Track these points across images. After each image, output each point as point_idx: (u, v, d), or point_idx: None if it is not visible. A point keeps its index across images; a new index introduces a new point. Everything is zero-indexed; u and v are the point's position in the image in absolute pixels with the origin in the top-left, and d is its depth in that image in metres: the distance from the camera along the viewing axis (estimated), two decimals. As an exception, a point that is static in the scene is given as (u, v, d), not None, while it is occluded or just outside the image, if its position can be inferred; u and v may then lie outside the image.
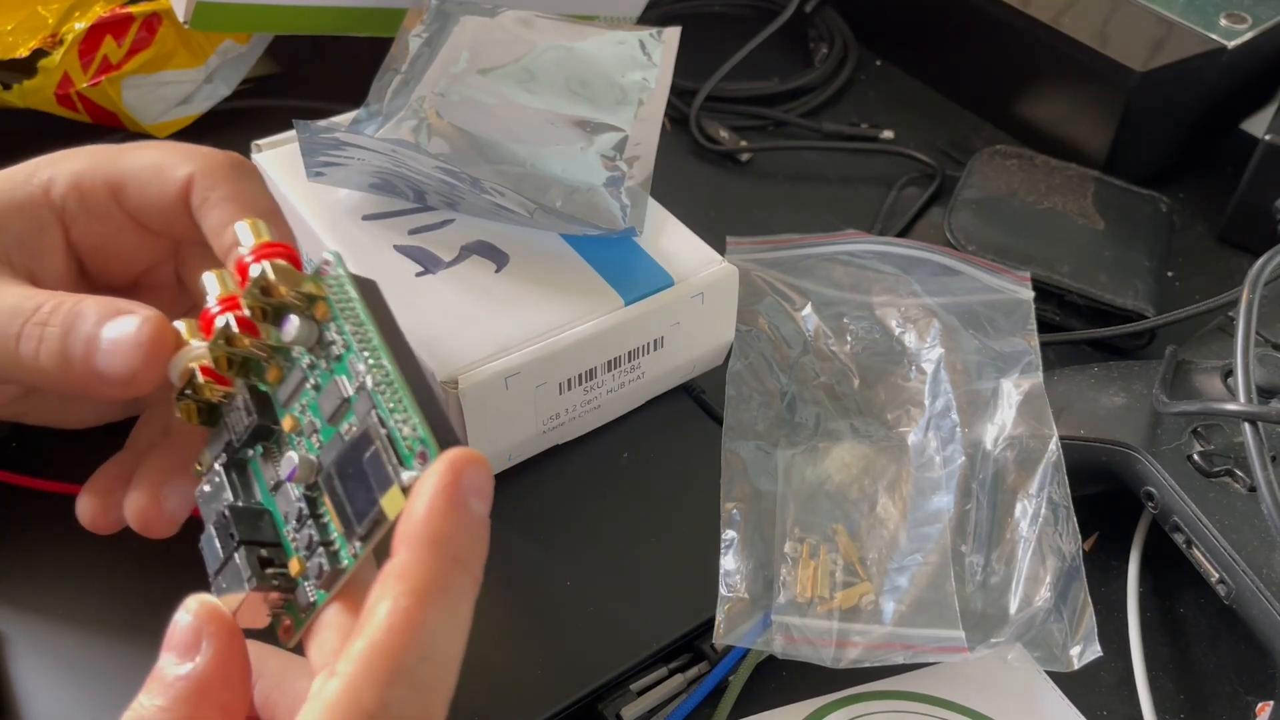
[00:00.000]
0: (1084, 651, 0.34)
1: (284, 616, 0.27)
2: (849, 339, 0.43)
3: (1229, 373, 0.38)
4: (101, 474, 0.33)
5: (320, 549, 0.26)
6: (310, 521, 0.26)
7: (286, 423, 0.28)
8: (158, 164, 0.32)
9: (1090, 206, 0.50)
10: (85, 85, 0.51)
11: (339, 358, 0.27)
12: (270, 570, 0.27)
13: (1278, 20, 0.52)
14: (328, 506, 0.26)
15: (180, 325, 0.29)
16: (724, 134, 0.56)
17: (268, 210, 0.32)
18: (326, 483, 0.26)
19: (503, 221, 0.39)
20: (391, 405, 0.25)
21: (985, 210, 0.50)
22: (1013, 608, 0.35)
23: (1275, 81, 0.57)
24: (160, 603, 0.34)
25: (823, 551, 0.36)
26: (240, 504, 0.28)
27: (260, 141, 0.42)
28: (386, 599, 0.22)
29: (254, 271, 0.27)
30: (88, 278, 0.34)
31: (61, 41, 0.50)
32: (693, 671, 0.34)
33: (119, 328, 0.28)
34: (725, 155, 0.56)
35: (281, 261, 0.27)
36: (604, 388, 0.38)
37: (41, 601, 0.34)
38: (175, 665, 0.24)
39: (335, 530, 0.26)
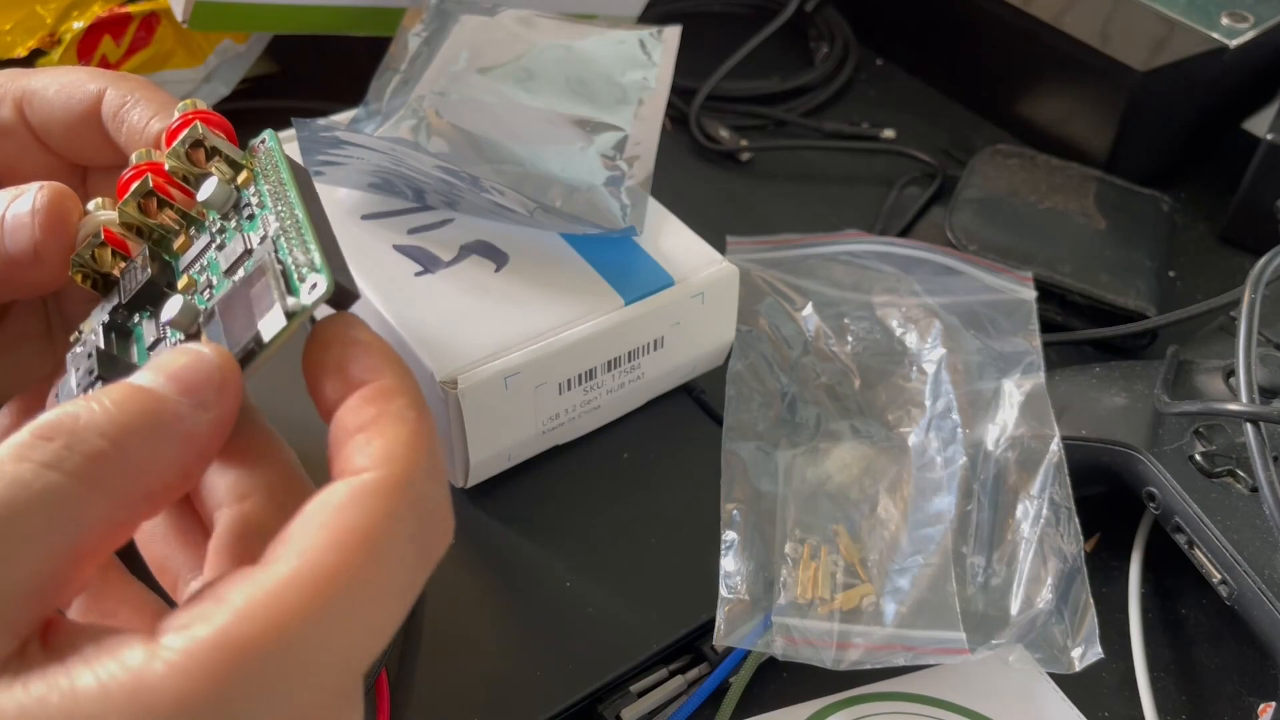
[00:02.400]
0: (1085, 653, 0.33)
1: None
2: (850, 339, 0.43)
3: (1231, 373, 0.38)
4: None
5: None
6: None
7: (181, 282, 0.26)
8: (67, 79, 0.31)
9: (1092, 206, 0.50)
10: (84, 85, 0.50)
11: (251, 216, 0.25)
12: None
13: (1279, 19, 0.52)
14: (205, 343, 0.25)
15: (94, 203, 0.28)
16: (724, 133, 0.56)
17: None
18: (206, 322, 0.24)
19: (502, 221, 0.39)
20: (294, 243, 0.24)
21: (986, 210, 0.50)
22: (1014, 609, 0.35)
23: (1277, 81, 0.57)
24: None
25: (823, 553, 0.36)
26: (113, 351, 0.26)
27: (259, 141, 0.42)
28: (406, 411, 0.21)
29: (185, 132, 0.26)
30: None
31: (60, 41, 0.50)
32: (693, 673, 0.34)
33: (18, 204, 0.27)
34: (726, 155, 0.56)
35: (212, 128, 0.26)
36: (604, 388, 0.38)
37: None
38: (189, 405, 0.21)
39: None
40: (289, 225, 0.24)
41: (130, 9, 0.50)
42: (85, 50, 0.50)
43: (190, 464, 0.21)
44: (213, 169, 0.26)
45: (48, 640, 0.19)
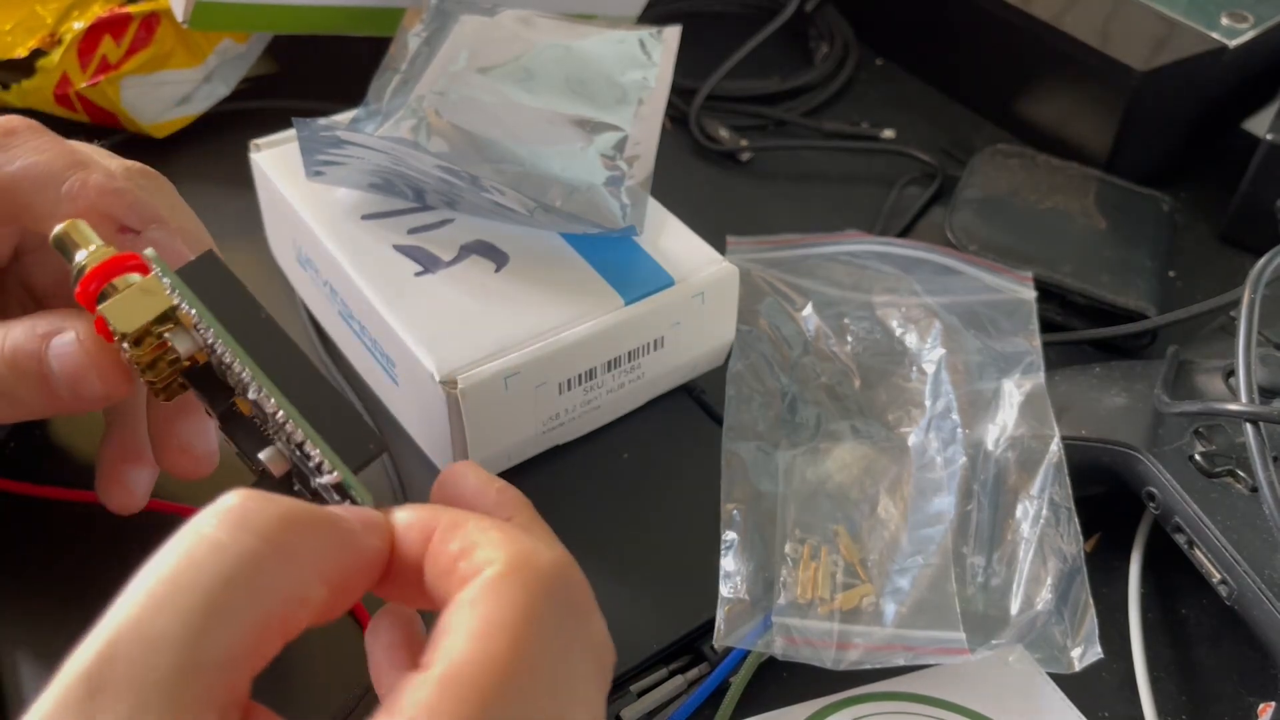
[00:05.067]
0: (1085, 653, 0.34)
1: None
2: (850, 339, 0.43)
3: (1231, 373, 0.38)
4: (105, 458, 0.33)
5: (330, 490, 0.25)
6: (306, 468, 0.26)
7: (242, 406, 0.27)
8: None
9: (1092, 206, 0.50)
10: (84, 85, 0.50)
11: (229, 365, 0.26)
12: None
13: (1279, 19, 0.52)
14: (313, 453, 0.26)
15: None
16: (724, 133, 0.56)
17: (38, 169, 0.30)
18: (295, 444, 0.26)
19: (502, 220, 0.39)
20: (299, 439, 0.25)
21: (986, 210, 0.50)
22: (1014, 609, 0.35)
23: (1277, 81, 0.57)
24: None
25: (823, 553, 0.36)
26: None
27: (259, 140, 0.42)
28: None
29: (106, 319, 0.26)
30: None
31: (60, 41, 0.50)
32: (693, 673, 0.34)
33: (60, 348, 0.28)
34: (725, 155, 0.56)
35: (117, 303, 0.26)
36: (604, 388, 0.38)
37: (45, 605, 0.33)
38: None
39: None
40: (274, 410, 0.25)
41: (130, 9, 0.50)
42: (85, 50, 0.50)
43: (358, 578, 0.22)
44: (150, 330, 0.26)
45: None
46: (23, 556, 0.34)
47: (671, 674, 0.34)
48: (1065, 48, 0.53)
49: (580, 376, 0.36)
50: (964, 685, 0.34)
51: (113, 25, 0.50)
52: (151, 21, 0.51)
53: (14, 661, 0.32)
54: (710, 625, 0.34)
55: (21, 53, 0.50)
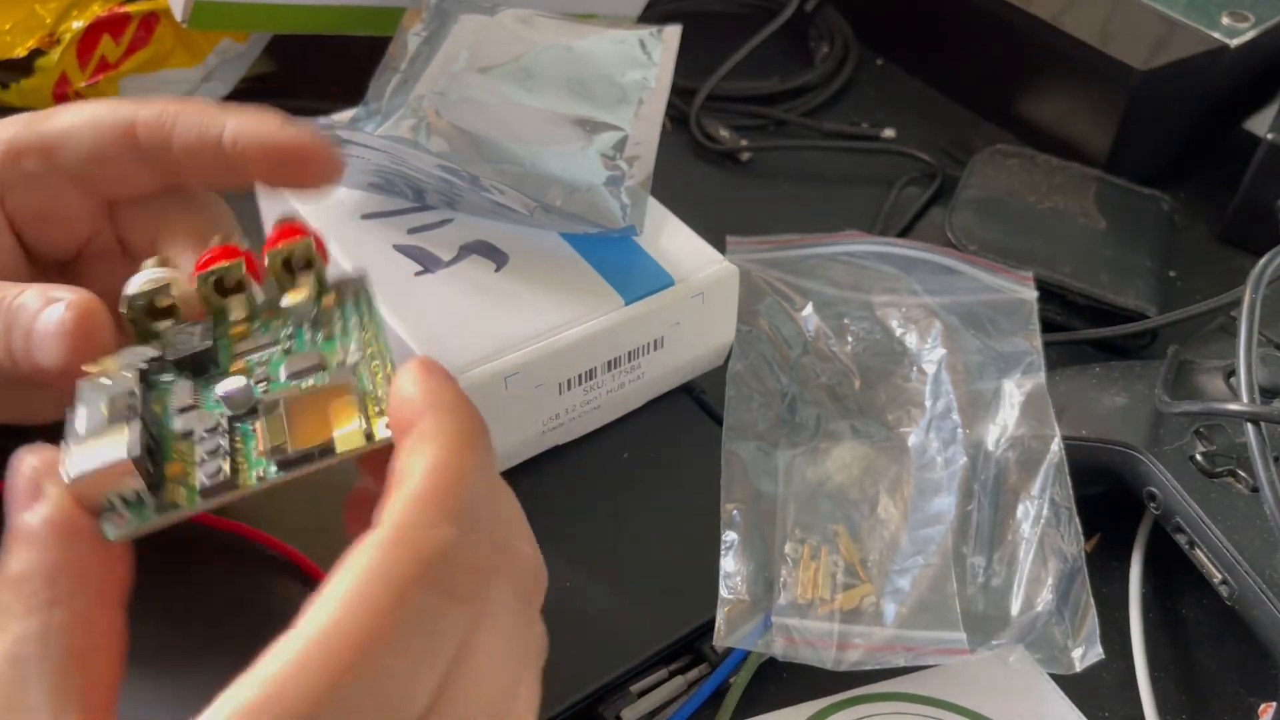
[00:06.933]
0: (1086, 653, 0.33)
1: (121, 510, 0.24)
2: (850, 339, 0.43)
3: (1231, 373, 0.38)
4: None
5: (224, 458, 0.25)
6: (223, 435, 0.25)
7: (234, 365, 0.27)
8: (92, 116, 0.32)
9: (1092, 206, 0.50)
10: (83, 85, 0.50)
11: (330, 338, 0.27)
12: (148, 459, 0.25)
13: (1279, 19, 0.52)
14: (256, 430, 0.25)
15: (149, 261, 0.29)
16: (724, 133, 0.56)
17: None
18: (267, 411, 0.25)
19: (502, 220, 0.39)
20: (378, 374, 0.26)
21: (986, 210, 0.50)
22: (1014, 609, 0.35)
23: (1277, 81, 0.57)
24: (156, 610, 0.33)
25: (823, 553, 0.36)
26: (145, 395, 0.27)
27: (259, 141, 0.42)
28: (422, 454, 0.21)
29: (299, 247, 0.28)
30: (29, 251, 0.33)
31: (59, 41, 0.50)
32: (693, 673, 0.34)
33: (48, 317, 0.28)
34: (725, 155, 0.56)
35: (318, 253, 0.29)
36: (604, 388, 0.38)
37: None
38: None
39: (254, 450, 0.25)
40: (375, 363, 0.26)
41: (129, 8, 0.50)
42: (84, 50, 0.50)
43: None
44: (305, 284, 0.28)
45: None
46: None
47: (671, 674, 0.34)
48: (1065, 47, 0.53)
49: (580, 376, 0.36)
50: (964, 686, 0.34)
51: (112, 25, 0.50)
52: (150, 21, 0.51)
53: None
54: (710, 625, 0.34)
55: (20, 52, 0.50)
